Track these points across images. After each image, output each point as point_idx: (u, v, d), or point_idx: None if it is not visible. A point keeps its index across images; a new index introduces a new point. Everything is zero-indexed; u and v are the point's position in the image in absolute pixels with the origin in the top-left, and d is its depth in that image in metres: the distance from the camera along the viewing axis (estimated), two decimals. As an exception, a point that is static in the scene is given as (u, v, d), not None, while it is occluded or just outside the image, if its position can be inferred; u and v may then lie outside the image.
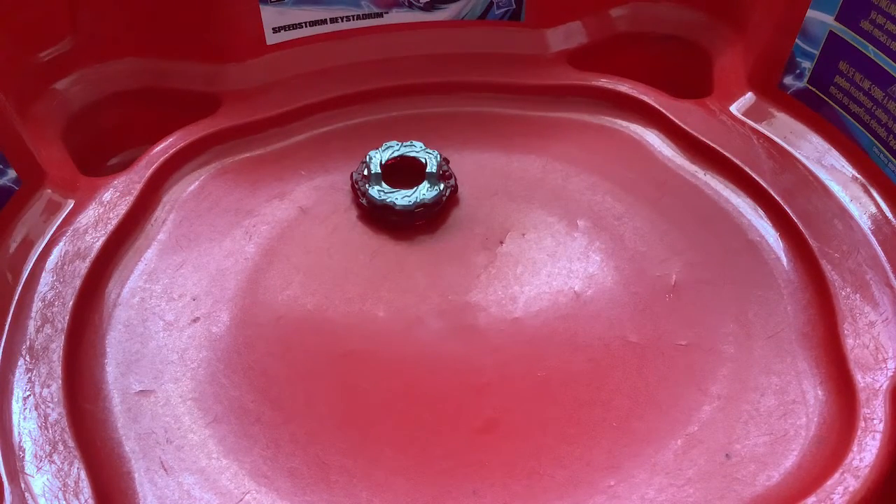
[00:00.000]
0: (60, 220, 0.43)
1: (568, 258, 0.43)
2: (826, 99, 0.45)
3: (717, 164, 0.46)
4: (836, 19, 0.44)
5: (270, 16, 0.51)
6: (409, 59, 0.52)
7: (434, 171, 0.45)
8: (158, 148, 0.47)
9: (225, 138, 0.48)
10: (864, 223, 0.42)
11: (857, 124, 0.44)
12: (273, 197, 0.46)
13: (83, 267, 0.41)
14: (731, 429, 0.36)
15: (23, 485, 0.33)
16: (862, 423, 0.34)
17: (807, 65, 0.46)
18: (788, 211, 0.43)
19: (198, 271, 0.42)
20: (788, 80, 0.47)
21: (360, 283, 0.42)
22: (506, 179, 0.47)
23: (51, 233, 0.42)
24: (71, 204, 0.44)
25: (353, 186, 0.46)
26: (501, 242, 0.44)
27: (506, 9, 0.53)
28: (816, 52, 0.45)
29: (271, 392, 0.38)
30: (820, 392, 0.37)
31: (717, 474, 0.34)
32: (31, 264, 0.41)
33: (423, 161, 0.46)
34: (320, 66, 0.52)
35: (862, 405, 0.35)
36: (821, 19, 0.44)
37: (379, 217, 0.45)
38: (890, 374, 0.36)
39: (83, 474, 0.34)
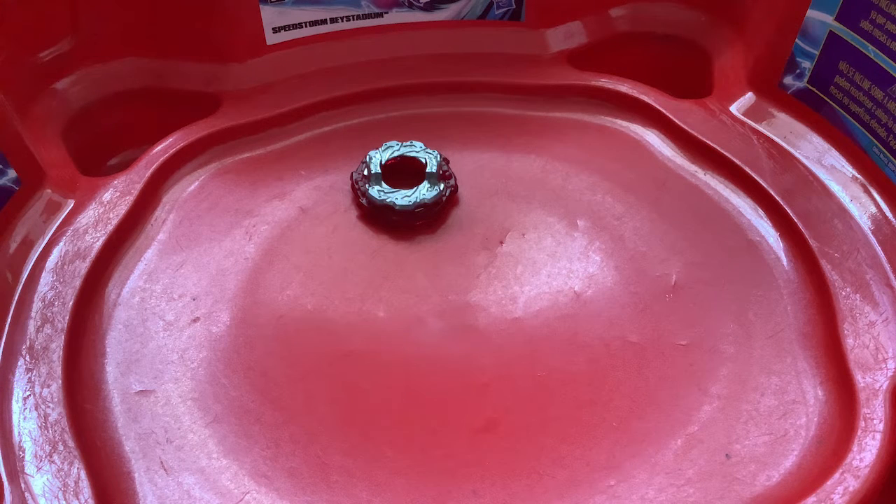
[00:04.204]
0: (60, 220, 0.43)
1: (568, 258, 0.43)
2: (826, 99, 0.45)
3: (717, 164, 0.46)
4: (836, 19, 0.44)
5: (270, 16, 0.51)
6: (409, 59, 0.52)
7: (434, 171, 0.45)
8: (158, 148, 0.47)
9: (225, 138, 0.48)
10: (864, 223, 0.42)
11: (857, 124, 0.44)
12: (273, 197, 0.46)
13: (83, 267, 0.41)
14: (731, 429, 0.36)
15: (23, 485, 0.33)
16: (862, 423, 0.34)
17: (807, 65, 0.46)
18: (788, 211, 0.43)
19: (198, 271, 0.42)
20: (788, 80, 0.47)
21: (360, 283, 0.42)
22: (506, 179, 0.47)
23: (51, 233, 0.42)
24: (71, 204, 0.44)
25: (353, 186, 0.46)
26: (501, 242, 0.44)
27: (506, 9, 0.53)
28: (816, 52, 0.45)
29: (271, 392, 0.38)
30: (820, 392, 0.37)
31: (717, 474, 0.34)
32: (31, 264, 0.41)
33: (423, 161, 0.46)
34: (320, 66, 0.52)
35: (862, 405, 0.35)
36: (821, 19, 0.44)
37: (379, 217, 0.45)
38: (890, 374, 0.36)
39: (83, 474, 0.34)
